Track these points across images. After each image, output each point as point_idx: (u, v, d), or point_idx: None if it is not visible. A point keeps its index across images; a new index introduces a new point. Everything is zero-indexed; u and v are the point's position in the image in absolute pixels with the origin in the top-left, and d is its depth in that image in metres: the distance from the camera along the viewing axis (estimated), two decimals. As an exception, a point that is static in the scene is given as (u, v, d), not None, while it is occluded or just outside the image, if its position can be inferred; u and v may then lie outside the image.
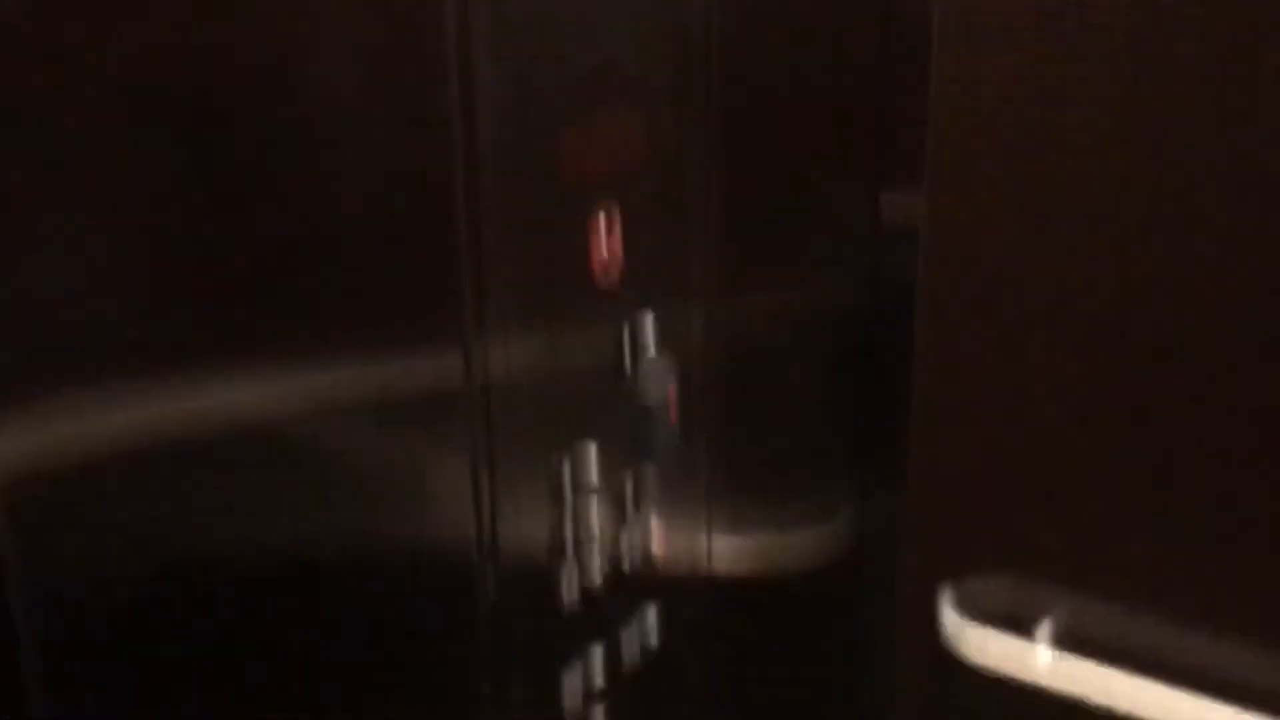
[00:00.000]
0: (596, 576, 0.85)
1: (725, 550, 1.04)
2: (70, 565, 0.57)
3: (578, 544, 0.84)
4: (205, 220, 0.59)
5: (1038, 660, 1.16)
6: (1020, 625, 1.19)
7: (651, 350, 0.88)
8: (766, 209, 1.02)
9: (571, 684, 0.86)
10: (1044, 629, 1.19)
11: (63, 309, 0.55)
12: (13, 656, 0.55)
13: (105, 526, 0.58)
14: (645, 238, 0.85)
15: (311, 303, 0.65)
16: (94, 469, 0.57)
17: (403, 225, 0.69)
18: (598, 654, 0.88)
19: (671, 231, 0.89)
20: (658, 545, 0.92)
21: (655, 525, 0.91)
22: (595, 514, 0.84)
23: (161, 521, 0.61)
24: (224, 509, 0.63)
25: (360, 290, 0.67)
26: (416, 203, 0.70)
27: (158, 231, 0.58)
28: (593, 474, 0.84)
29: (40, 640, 0.56)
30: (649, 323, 0.87)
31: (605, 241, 0.81)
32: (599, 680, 0.88)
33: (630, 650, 0.92)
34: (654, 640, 0.94)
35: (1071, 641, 1.17)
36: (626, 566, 0.90)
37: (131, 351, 0.58)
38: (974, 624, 1.20)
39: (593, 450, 0.84)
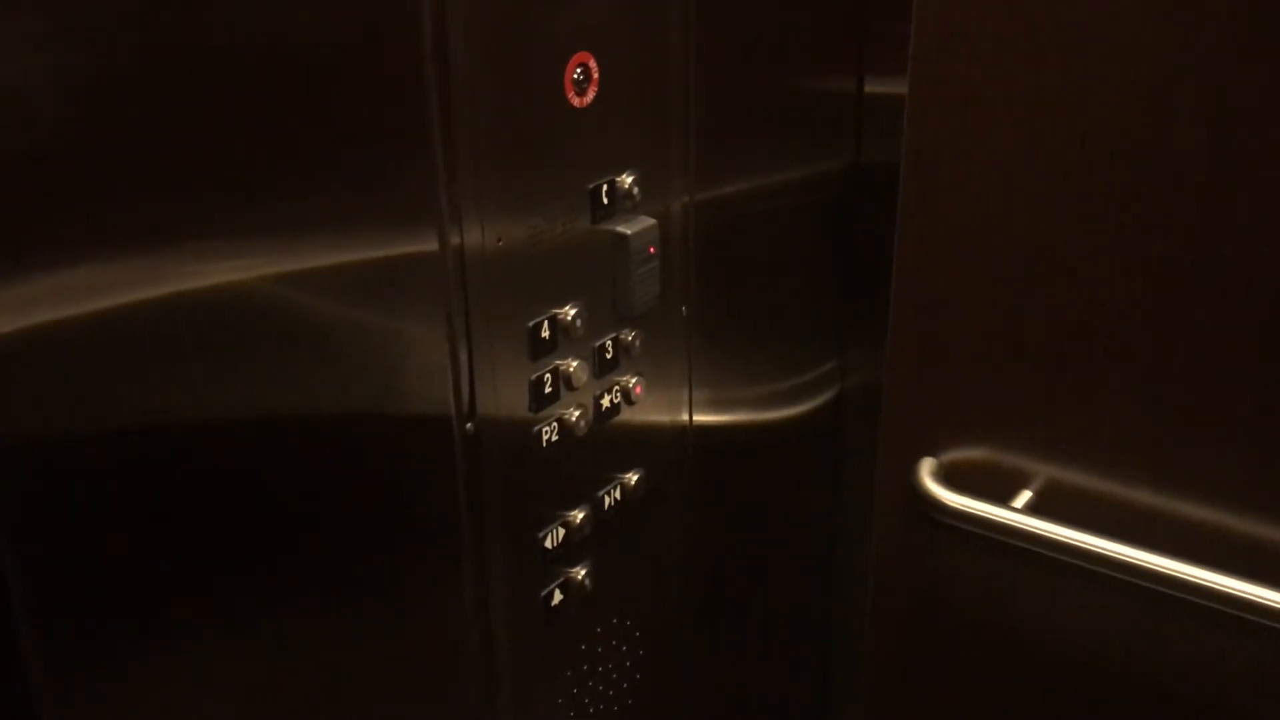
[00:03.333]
0: (576, 431, 0.86)
1: (706, 416, 1.05)
2: (48, 435, 0.58)
3: (556, 400, 0.85)
4: (177, 90, 0.58)
5: (1014, 525, 1.18)
6: (997, 495, 1.21)
7: (632, 210, 0.87)
8: (749, 73, 1.01)
9: (552, 535, 0.88)
10: (1021, 499, 1.21)
11: (29, 184, 0.54)
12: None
13: (84, 397, 0.59)
14: (623, 92, 0.84)
15: (281, 168, 0.64)
16: (72, 341, 0.57)
17: (368, 67, 0.67)
18: (578, 506, 0.90)
19: (652, 88, 0.88)
20: (638, 402, 0.93)
21: (635, 384, 0.91)
22: (575, 371, 0.85)
23: (145, 393, 0.61)
24: (207, 379, 0.64)
25: (330, 156, 0.66)
26: (384, 61, 0.68)
27: (121, 103, 0.57)
28: (572, 334, 0.84)
29: (20, 505, 0.56)
30: (629, 182, 0.86)
31: (580, 91, 0.80)
32: (579, 531, 0.89)
33: (611, 503, 0.93)
34: (634, 494, 0.95)
35: (1047, 509, 1.19)
36: (607, 422, 0.91)
37: (107, 226, 0.57)
38: (952, 492, 1.22)
39: (572, 312, 0.84)
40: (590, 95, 0.80)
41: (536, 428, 0.84)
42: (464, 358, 0.77)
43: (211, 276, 0.62)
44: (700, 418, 1.03)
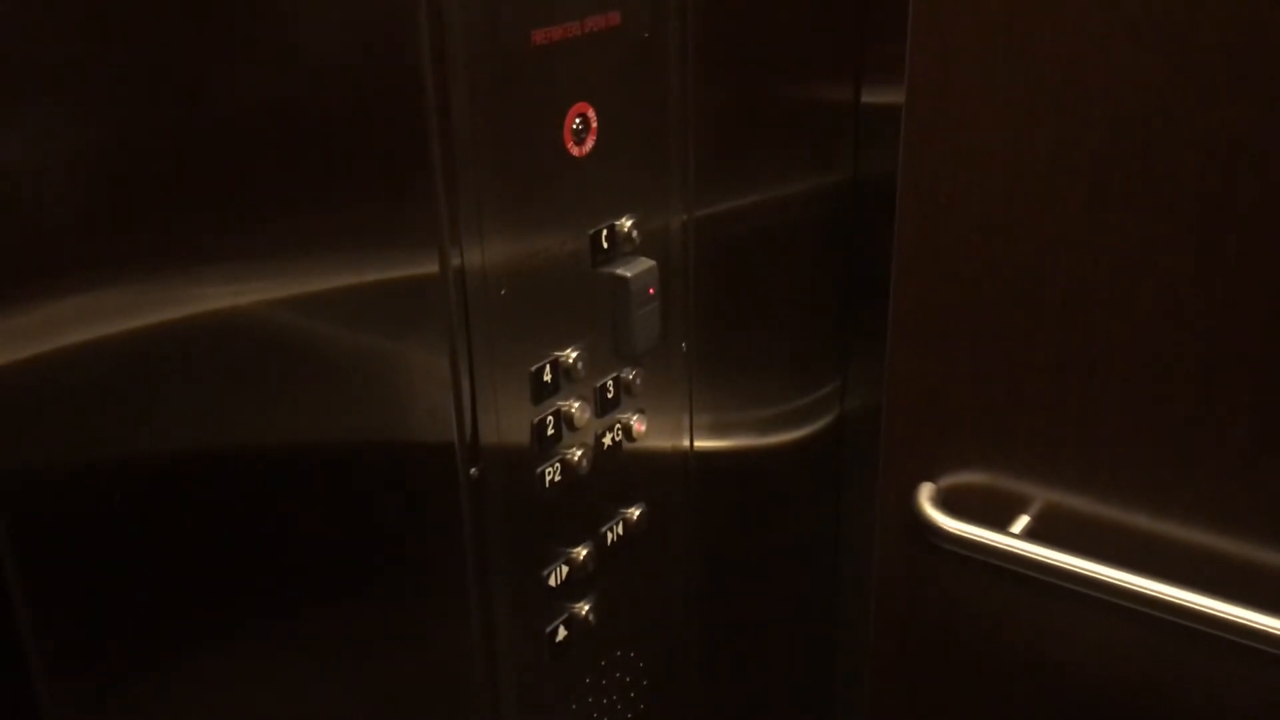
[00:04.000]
0: (579, 471, 0.87)
1: (707, 448, 1.06)
2: (53, 461, 0.59)
3: (559, 441, 0.86)
4: (177, 113, 0.60)
5: (1012, 550, 1.19)
6: (996, 520, 1.22)
7: (631, 253, 0.88)
8: (745, 109, 1.02)
9: (556, 573, 0.89)
10: (1019, 524, 1.22)
11: (33, 208, 0.55)
12: None
13: (86, 421, 0.60)
14: (621, 139, 0.85)
15: (285, 195, 0.66)
16: (76, 364, 0.58)
17: (373, 120, 0.69)
18: (581, 543, 0.91)
19: (649, 133, 0.89)
20: (639, 439, 0.94)
21: (636, 421, 0.93)
22: (577, 411, 0.86)
23: (145, 417, 0.62)
24: (209, 404, 0.65)
25: (333, 184, 0.68)
26: (386, 115, 0.70)
27: (127, 127, 0.58)
28: (574, 375, 0.86)
29: (25, 533, 0.58)
30: (629, 225, 0.87)
31: (579, 140, 0.81)
32: (583, 568, 0.90)
33: (614, 538, 0.94)
34: (637, 528, 0.96)
35: (1045, 534, 1.20)
36: (609, 460, 0.92)
37: (107, 249, 0.59)
38: (951, 518, 1.23)
39: (574, 354, 0.85)
40: (589, 144, 0.82)
41: (539, 469, 0.85)
42: (468, 402, 0.79)
43: (211, 297, 0.63)
44: (701, 448, 1.04)
